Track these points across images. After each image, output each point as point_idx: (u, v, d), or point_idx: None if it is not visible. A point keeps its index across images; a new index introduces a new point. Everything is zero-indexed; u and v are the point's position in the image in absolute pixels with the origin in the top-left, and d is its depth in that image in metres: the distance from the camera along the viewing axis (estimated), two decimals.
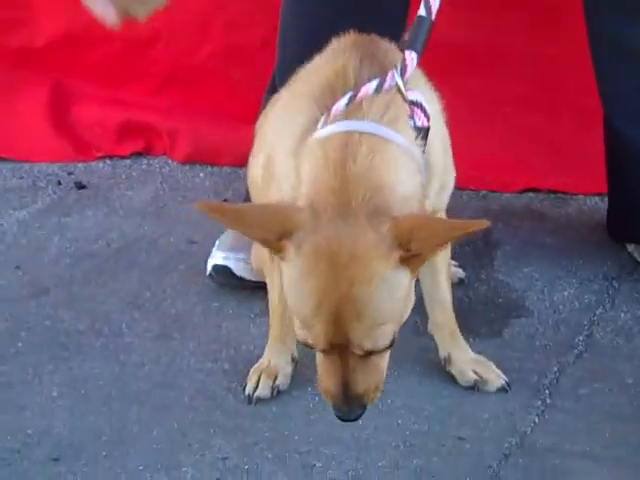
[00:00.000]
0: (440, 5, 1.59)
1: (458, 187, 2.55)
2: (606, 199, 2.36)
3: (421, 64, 1.70)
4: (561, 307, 2.07)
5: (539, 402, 1.76)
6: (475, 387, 1.77)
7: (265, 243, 1.41)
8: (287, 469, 1.58)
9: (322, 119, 1.49)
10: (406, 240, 1.37)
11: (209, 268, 2.07)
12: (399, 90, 1.52)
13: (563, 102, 2.61)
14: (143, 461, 1.60)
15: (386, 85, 1.52)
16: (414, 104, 1.53)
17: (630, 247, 2.24)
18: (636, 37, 2.03)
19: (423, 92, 1.58)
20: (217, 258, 2.07)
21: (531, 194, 2.57)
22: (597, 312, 2.05)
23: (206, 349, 1.87)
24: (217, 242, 2.12)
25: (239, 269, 2.05)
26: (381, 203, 1.41)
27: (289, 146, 1.53)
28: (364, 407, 1.44)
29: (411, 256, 1.38)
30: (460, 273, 2.17)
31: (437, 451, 1.63)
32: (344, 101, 1.49)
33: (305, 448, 1.63)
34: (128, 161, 2.69)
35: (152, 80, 2.79)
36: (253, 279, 2.05)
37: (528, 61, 2.62)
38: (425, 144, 1.52)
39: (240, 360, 1.84)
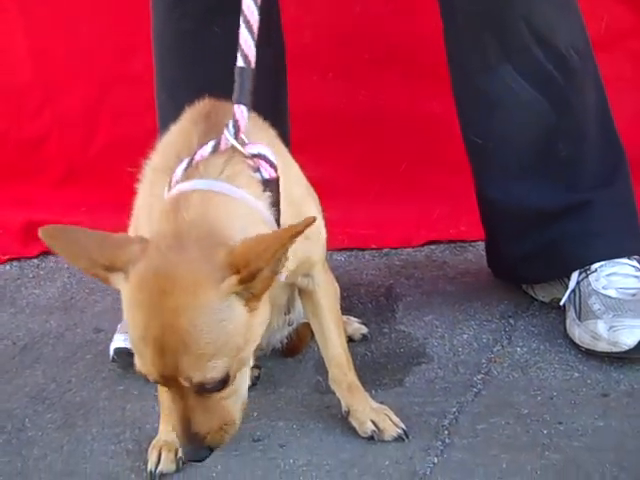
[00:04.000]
0: (256, 52, 1.62)
1: (360, 247, 2.69)
2: None
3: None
4: (460, 349, 2.11)
5: (439, 443, 1.78)
6: (373, 437, 1.80)
7: (91, 273, 1.43)
8: None
9: (166, 188, 1.55)
10: (242, 264, 1.38)
11: (111, 352, 2.09)
12: (235, 147, 1.56)
13: (454, 154, 2.69)
14: None
15: (222, 145, 1.56)
16: (258, 157, 1.56)
17: (523, 285, 2.30)
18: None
19: (268, 143, 1.61)
20: (118, 341, 2.09)
21: (432, 246, 2.64)
22: (494, 350, 2.09)
23: (110, 432, 1.88)
24: (119, 326, 2.14)
25: None
26: (213, 239, 1.43)
27: (143, 222, 1.59)
28: (209, 449, 1.43)
29: (248, 281, 1.39)
30: (363, 329, 2.20)
31: None
32: (182, 166, 1.54)
33: None
34: (35, 260, 2.73)
35: (51, 177, 2.84)
36: None
37: (414, 117, 2.71)
38: (277, 195, 1.55)
39: (144, 439, 1.84)
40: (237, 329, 1.40)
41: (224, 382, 1.41)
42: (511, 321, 2.20)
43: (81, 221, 2.82)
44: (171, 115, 2.09)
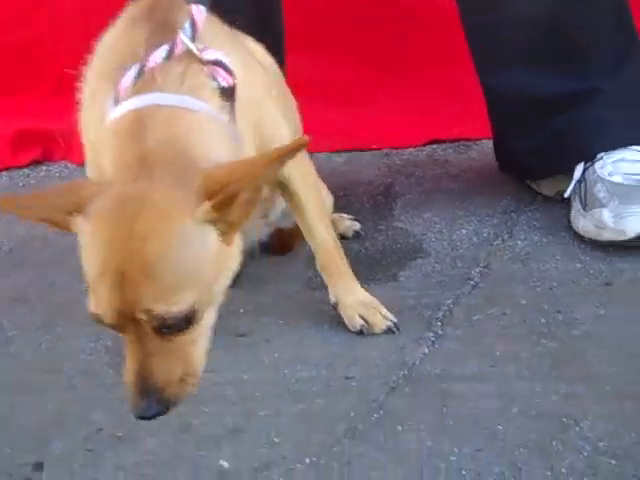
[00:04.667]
0: None
1: (360, 148, 2.59)
2: None
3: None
4: (458, 244, 2.01)
5: (431, 334, 1.69)
6: (362, 332, 1.72)
7: (52, 222, 1.29)
8: (163, 430, 1.51)
9: (110, 99, 1.38)
10: (218, 189, 1.25)
11: None
12: (192, 52, 1.40)
13: (462, 51, 2.57)
14: (11, 444, 1.53)
15: (177, 49, 1.39)
16: (215, 63, 1.41)
17: (528, 180, 2.19)
18: None
19: (226, 47, 1.46)
20: None
21: (435, 145, 2.54)
22: (494, 244, 1.99)
23: (89, 330, 1.80)
24: None
25: None
26: (187, 165, 1.29)
27: (93, 135, 1.43)
28: (165, 405, 1.25)
29: (224, 207, 1.26)
30: (356, 226, 2.11)
31: (322, 393, 1.56)
32: (132, 74, 1.37)
33: (184, 409, 1.56)
34: (26, 170, 2.65)
35: (41, 87, 2.75)
36: None
37: (417, 11, 2.59)
38: (233, 103, 1.42)
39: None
40: (209, 260, 1.27)
41: (189, 320, 1.25)
42: (513, 215, 2.09)
43: (73, 129, 2.75)
44: None
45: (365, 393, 1.55)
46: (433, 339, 1.67)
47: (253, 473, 1.39)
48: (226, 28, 1.56)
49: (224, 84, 1.41)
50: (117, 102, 1.37)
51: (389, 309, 1.74)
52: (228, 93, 1.41)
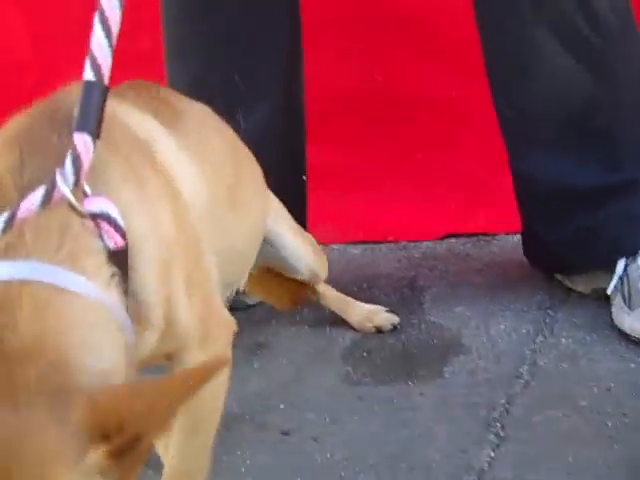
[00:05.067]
0: (111, 66, 1.10)
1: (376, 241, 2.52)
2: None
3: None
4: (499, 340, 1.93)
5: (492, 436, 1.60)
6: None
7: None
8: None
9: None
10: (113, 427, 0.87)
11: None
12: (69, 204, 1.03)
13: (473, 144, 2.54)
14: None
15: (56, 194, 1.02)
16: (99, 217, 1.04)
17: (559, 276, 2.14)
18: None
19: (120, 187, 1.09)
20: None
21: (452, 239, 2.48)
22: (537, 341, 1.92)
23: None
24: None
25: None
26: (64, 384, 0.91)
27: None
28: None
29: (122, 453, 0.88)
30: (394, 319, 2.01)
31: None
32: None
33: None
34: None
35: None
36: None
37: (433, 105, 2.56)
38: (126, 270, 1.05)
39: None
40: None
41: None
42: (550, 312, 2.03)
43: None
44: (183, 81, 1.94)
45: None
46: (497, 442, 1.58)
47: None
48: (125, 151, 1.15)
49: (111, 245, 1.04)
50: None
51: (438, 410, 1.66)
52: (119, 257, 1.05)
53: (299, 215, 2.17)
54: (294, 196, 2.13)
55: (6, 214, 1.00)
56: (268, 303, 2.04)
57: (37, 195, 1.02)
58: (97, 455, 0.87)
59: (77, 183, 1.03)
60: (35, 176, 1.04)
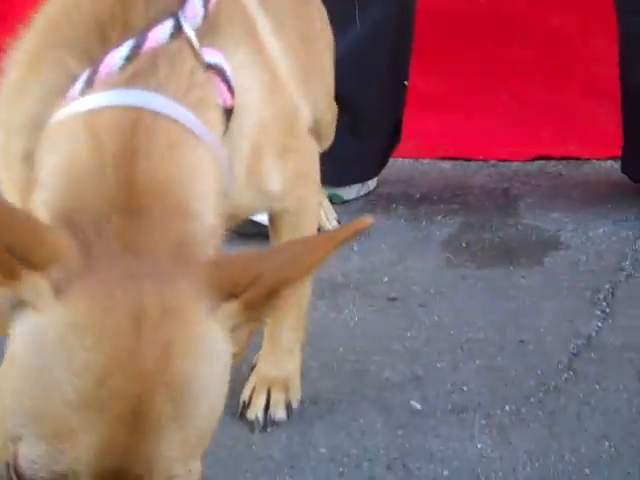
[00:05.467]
0: None
1: (465, 158, 2.53)
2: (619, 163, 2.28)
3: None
4: (599, 241, 1.94)
5: (598, 311, 1.61)
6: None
7: None
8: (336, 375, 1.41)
9: (82, 79, 0.92)
10: (246, 281, 0.84)
11: None
12: (191, 46, 0.97)
13: (568, 70, 2.54)
14: None
15: (184, 28, 0.96)
16: (213, 69, 0.98)
17: None
18: None
19: (233, 48, 1.02)
20: None
21: (543, 161, 2.48)
22: (638, 243, 1.93)
23: None
24: None
25: None
26: (184, 232, 0.87)
27: (19, 122, 0.96)
28: None
29: (255, 306, 0.84)
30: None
31: (498, 353, 1.47)
32: (123, 53, 0.92)
33: (353, 357, 1.47)
34: None
35: None
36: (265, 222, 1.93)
37: (532, 30, 2.56)
38: (227, 130, 1.00)
39: None
40: (224, 386, 0.85)
41: None
42: None
43: None
44: None
45: (545, 355, 1.46)
46: (603, 316, 1.59)
47: (449, 415, 1.29)
48: (240, 15, 1.08)
49: (220, 103, 0.99)
50: (90, 87, 0.93)
51: (542, 291, 1.68)
52: (226, 117, 1.00)
53: (395, 120, 2.21)
54: (394, 99, 2.15)
55: (132, 41, 0.94)
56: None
57: (166, 24, 0.95)
58: (230, 307, 0.84)
59: (204, 16, 0.97)
60: (162, 8, 0.96)
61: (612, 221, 2.04)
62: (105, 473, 0.74)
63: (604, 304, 1.64)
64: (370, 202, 2.14)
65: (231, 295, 0.83)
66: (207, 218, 0.91)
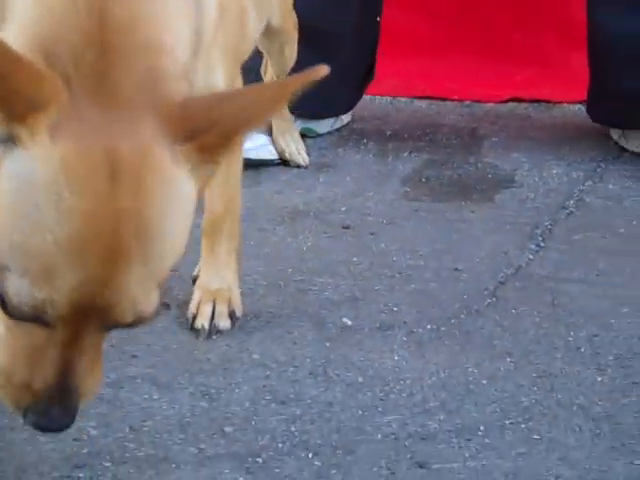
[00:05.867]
0: None
1: (440, 97, 2.65)
2: None
3: None
4: (550, 180, 2.07)
5: (533, 245, 1.76)
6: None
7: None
8: (280, 290, 1.57)
9: None
10: (204, 125, 0.89)
11: None
12: None
13: (545, 14, 2.64)
14: None
15: None
16: None
17: (615, 135, 2.25)
18: None
19: None
20: None
21: (515, 103, 2.60)
22: (586, 184, 2.05)
23: None
24: None
25: None
26: (155, 68, 0.90)
27: None
28: (74, 416, 0.92)
29: (213, 148, 0.89)
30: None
31: (433, 279, 1.62)
32: None
33: (300, 277, 1.62)
34: None
35: None
36: None
37: None
38: None
39: None
40: (188, 224, 0.92)
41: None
42: (602, 164, 2.15)
43: None
44: None
45: (475, 282, 1.61)
46: (536, 249, 1.73)
47: (376, 331, 1.44)
48: None
49: None
50: None
51: (487, 224, 1.82)
52: None
53: (369, 57, 2.32)
54: (367, 35, 2.26)
55: None
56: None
57: None
58: (190, 148, 0.88)
59: None
60: None
61: (567, 162, 2.17)
62: (80, 303, 0.84)
63: (540, 239, 1.78)
64: (342, 137, 2.27)
65: (191, 137, 0.88)
66: (180, 54, 0.93)
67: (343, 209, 1.89)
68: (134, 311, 0.87)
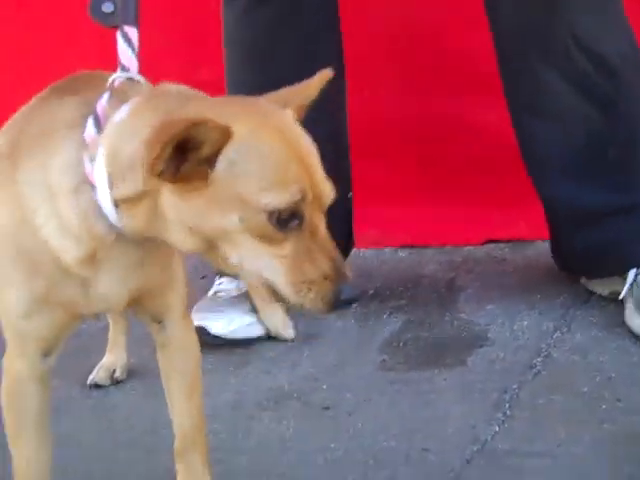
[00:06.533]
0: None
1: (421, 244, 2.79)
2: None
3: None
4: (520, 334, 2.19)
5: (500, 414, 1.87)
6: None
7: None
8: None
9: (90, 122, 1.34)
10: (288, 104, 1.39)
11: None
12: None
13: (511, 163, 2.76)
14: None
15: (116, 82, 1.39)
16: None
17: (582, 279, 2.38)
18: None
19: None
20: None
21: (492, 244, 2.73)
22: (554, 336, 2.17)
23: None
24: (194, 307, 2.26)
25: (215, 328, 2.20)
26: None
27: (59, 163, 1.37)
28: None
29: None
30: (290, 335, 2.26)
31: (403, 462, 1.73)
32: (105, 97, 1.35)
33: (280, 470, 1.74)
34: None
35: None
36: (228, 336, 2.21)
37: (471, 127, 2.80)
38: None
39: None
40: None
41: None
42: (571, 312, 2.27)
43: None
44: None
45: (442, 463, 1.72)
46: (502, 419, 1.85)
47: None
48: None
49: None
50: (99, 121, 1.33)
51: (457, 393, 1.94)
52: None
53: (346, 232, 2.45)
54: (341, 213, 2.40)
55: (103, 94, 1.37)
56: None
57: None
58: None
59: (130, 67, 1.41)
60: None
61: (538, 311, 2.30)
62: (316, 195, 1.29)
63: (507, 406, 1.90)
64: None
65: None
66: None
67: (324, 387, 2.02)
68: (332, 195, 1.32)
